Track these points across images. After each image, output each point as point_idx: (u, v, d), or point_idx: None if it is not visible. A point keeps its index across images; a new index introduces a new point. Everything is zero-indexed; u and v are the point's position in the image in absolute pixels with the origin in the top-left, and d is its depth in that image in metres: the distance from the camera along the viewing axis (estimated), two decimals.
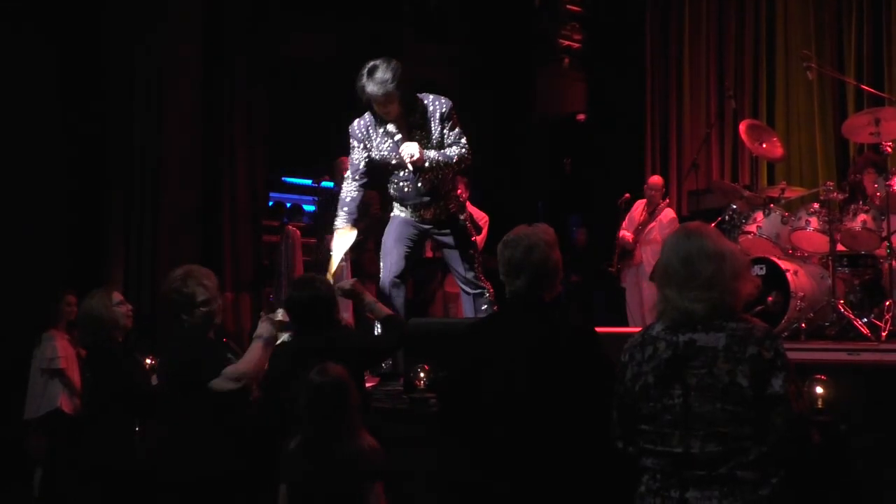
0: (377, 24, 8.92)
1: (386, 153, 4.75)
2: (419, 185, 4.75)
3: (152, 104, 6.96)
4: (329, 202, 7.28)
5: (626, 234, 7.74)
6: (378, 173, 4.93)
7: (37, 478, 5.65)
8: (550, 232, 3.00)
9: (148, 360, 4.84)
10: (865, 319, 5.46)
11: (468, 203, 7.52)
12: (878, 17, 8.15)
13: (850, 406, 3.55)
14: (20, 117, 6.76)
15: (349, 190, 4.90)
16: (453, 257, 5.00)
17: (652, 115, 9.59)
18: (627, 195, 7.97)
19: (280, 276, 6.93)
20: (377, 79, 4.51)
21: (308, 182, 10.15)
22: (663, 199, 7.89)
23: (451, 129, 4.72)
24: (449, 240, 4.97)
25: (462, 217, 5.01)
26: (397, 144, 4.67)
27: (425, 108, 4.70)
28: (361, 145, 4.82)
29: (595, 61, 10.03)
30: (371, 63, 4.57)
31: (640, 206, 7.86)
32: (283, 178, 10.26)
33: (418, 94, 4.73)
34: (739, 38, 9.04)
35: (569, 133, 9.62)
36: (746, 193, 6.48)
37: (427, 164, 4.65)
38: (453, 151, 4.71)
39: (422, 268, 7.70)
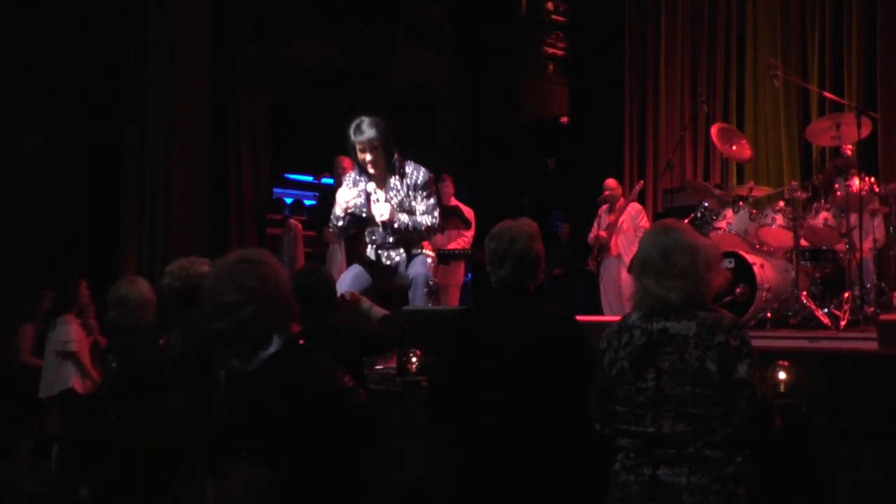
0: (373, 31, 8.89)
1: (361, 204, 4.82)
2: (388, 238, 4.83)
3: (163, 107, 6.93)
4: (328, 197, 7.26)
5: (601, 232, 7.80)
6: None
7: (54, 453, 5.62)
8: (533, 226, 3.00)
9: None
10: (826, 310, 5.47)
11: (452, 199, 7.53)
12: (839, 29, 8.17)
13: (810, 390, 3.55)
14: (45, 119, 6.74)
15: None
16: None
17: (630, 119, 9.59)
18: (607, 192, 7.98)
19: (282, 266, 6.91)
20: (363, 131, 4.63)
21: (309, 178, 10.12)
22: (624, 196, 7.95)
23: (426, 199, 4.77)
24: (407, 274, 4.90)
25: (422, 258, 4.87)
26: (373, 201, 4.76)
27: (405, 173, 4.76)
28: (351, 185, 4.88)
29: (578, 68, 10.02)
30: (358, 119, 4.68)
31: (604, 209, 7.94)
32: (285, 175, 10.22)
33: (403, 160, 4.77)
34: (711, 48, 9.05)
35: (553, 135, 9.62)
36: (717, 192, 6.48)
37: (396, 226, 4.73)
38: (424, 220, 4.75)
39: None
